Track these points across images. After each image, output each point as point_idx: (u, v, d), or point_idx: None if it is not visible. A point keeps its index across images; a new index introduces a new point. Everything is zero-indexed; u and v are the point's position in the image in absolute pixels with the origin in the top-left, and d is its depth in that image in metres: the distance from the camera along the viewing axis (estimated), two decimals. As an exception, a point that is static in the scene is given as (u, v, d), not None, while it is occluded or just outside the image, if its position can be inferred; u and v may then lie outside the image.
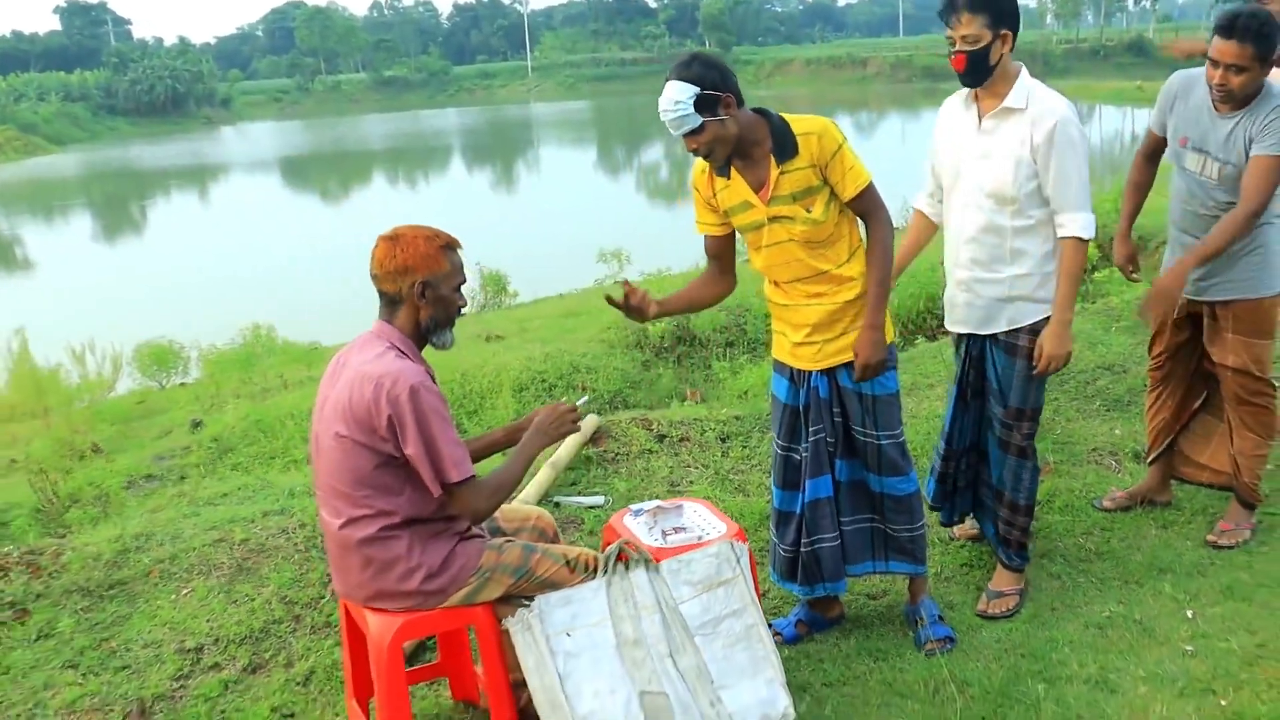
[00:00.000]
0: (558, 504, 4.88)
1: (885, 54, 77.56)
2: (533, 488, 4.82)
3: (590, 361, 7.71)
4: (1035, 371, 3.89)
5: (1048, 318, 3.86)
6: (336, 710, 3.64)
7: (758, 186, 3.58)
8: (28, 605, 4.19)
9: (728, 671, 3.24)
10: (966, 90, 3.91)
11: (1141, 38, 77.39)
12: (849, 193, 3.54)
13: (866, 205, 3.59)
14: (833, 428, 3.74)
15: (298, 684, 3.76)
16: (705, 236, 3.80)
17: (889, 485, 3.78)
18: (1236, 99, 4.09)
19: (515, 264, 13.35)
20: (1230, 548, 4.48)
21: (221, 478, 5.71)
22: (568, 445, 5.19)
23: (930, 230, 4.25)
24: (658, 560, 3.26)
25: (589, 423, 5.43)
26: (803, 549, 3.81)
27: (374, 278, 3.10)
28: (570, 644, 3.07)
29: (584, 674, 3.05)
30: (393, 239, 3.09)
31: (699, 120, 3.40)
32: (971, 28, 3.67)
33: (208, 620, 4.06)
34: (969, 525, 4.61)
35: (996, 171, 3.80)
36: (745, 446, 5.50)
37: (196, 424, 7.50)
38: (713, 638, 3.25)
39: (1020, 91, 3.76)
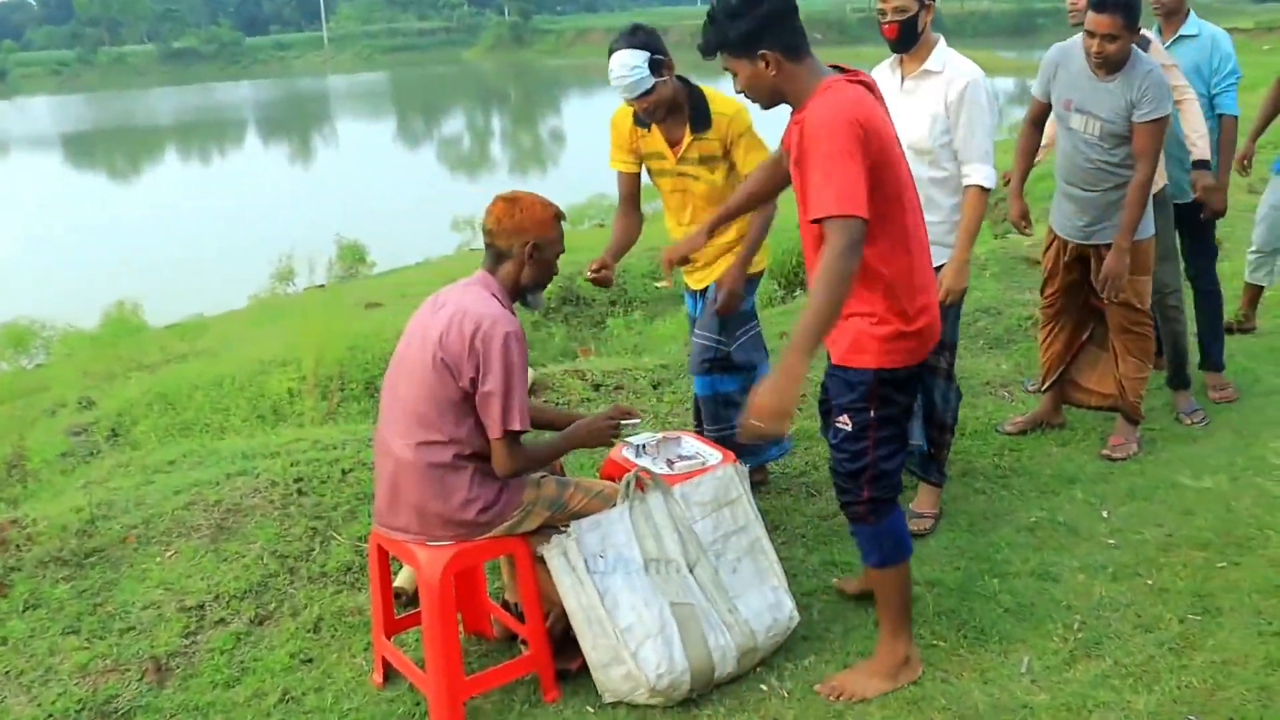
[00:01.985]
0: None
1: (686, 22, 78.55)
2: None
3: (483, 323, 7.85)
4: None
5: None
6: (353, 653, 3.80)
7: (672, 143, 4.30)
8: (3, 579, 4.19)
9: (738, 582, 3.56)
10: (892, 57, 4.38)
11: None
12: (747, 168, 4.17)
13: None
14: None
15: (309, 631, 3.90)
16: (618, 174, 4.53)
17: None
18: (1112, 64, 4.61)
19: (363, 235, 13.35)
20: (1123, 459, 5.03)
21: (162, 447, 5.68)
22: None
23: None
24: (671, 485, 3.56)
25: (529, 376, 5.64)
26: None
27: (488, 232, 3.37)
28: (603, 564, 3.34)
29: (620, 590, 3.33)
30: (512, 200, 3.37)
31: (652, 82, 3.96)
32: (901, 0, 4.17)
33: (202, 579, 4.15)
34: None
35: (916, 126, 4.24)
36: (676, 392, 5.81)
37: (87, 402, 7.37)
38: (724, 551, 3.57)
39: (938, 56, 4.27)
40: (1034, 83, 5.03)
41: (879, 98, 3.22)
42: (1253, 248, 6.40)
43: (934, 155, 4.26)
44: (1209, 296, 5.69)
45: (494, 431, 3.21)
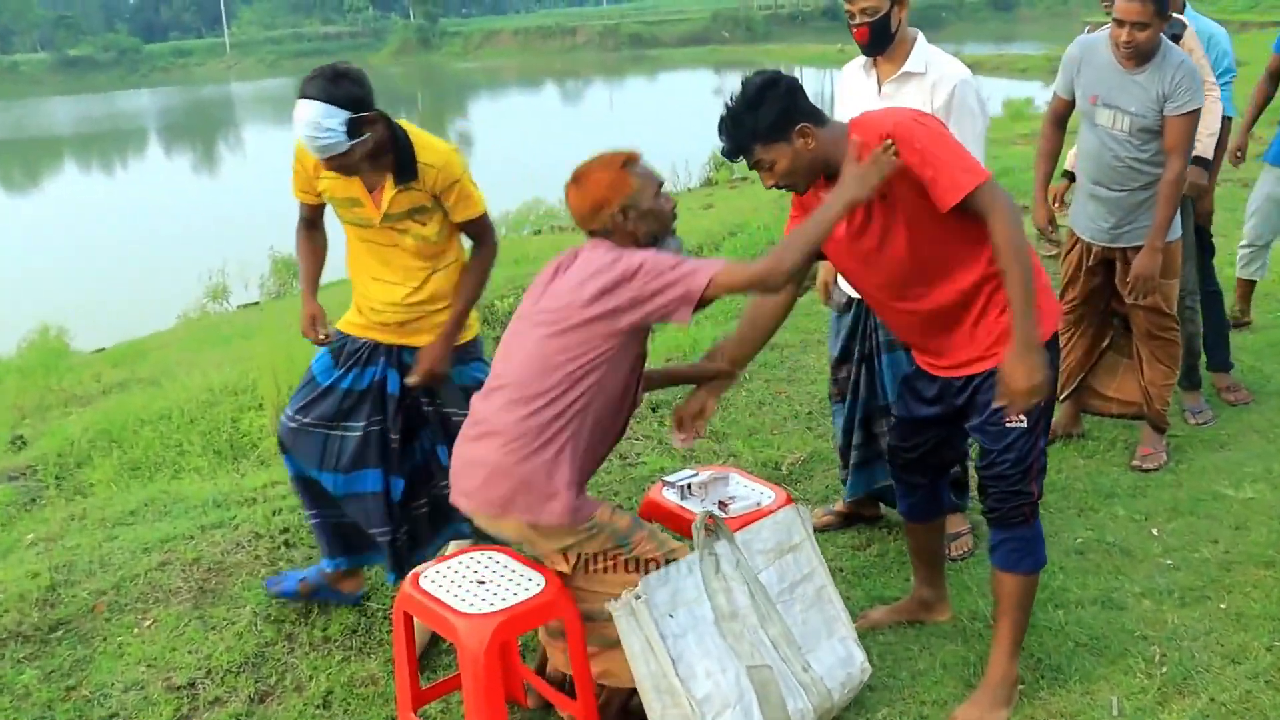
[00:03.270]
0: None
1: (593, 22, 78.28)
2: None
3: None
4: None
5: None
6: (371, 728, 3.40)
7: (371, 188, 3.58)
8: (-44, 661, 3.71)
9: (808, 635, 3.22)
10: (865, 59, 3.99)
11: (837, 2, 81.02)
12: (458, 218, 3.66)
13: (475, 231, 3.74)
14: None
15: (318, 707, 3.48)
16: (301, 204, 3.81)
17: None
18: (1142, 53, 4.36)
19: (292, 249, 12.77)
20: (1155, 469, 4.79)
21: (118, 494, 5.18)
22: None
23: None
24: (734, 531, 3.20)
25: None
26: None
27: (578, 225, 3.10)
28: (675, 625, 2.97)
29: (694, 655, 2.97)
30: (576, 181, 3.06)
31: (348, 146, 3.34)
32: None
33: (189, 651, 3.70)
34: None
35: None
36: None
37: (21, 442, 6.80)
38: (790, 603, 3.22)
39: (919, 56, 3.86)
40: (1055, 81, 4.78)
41: None
42: (1244, 241, 6.24)
43: None
44: (1212, 296, 5.51)
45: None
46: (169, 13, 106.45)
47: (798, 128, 2.95)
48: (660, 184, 3.11)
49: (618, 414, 3.08)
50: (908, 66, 3.85)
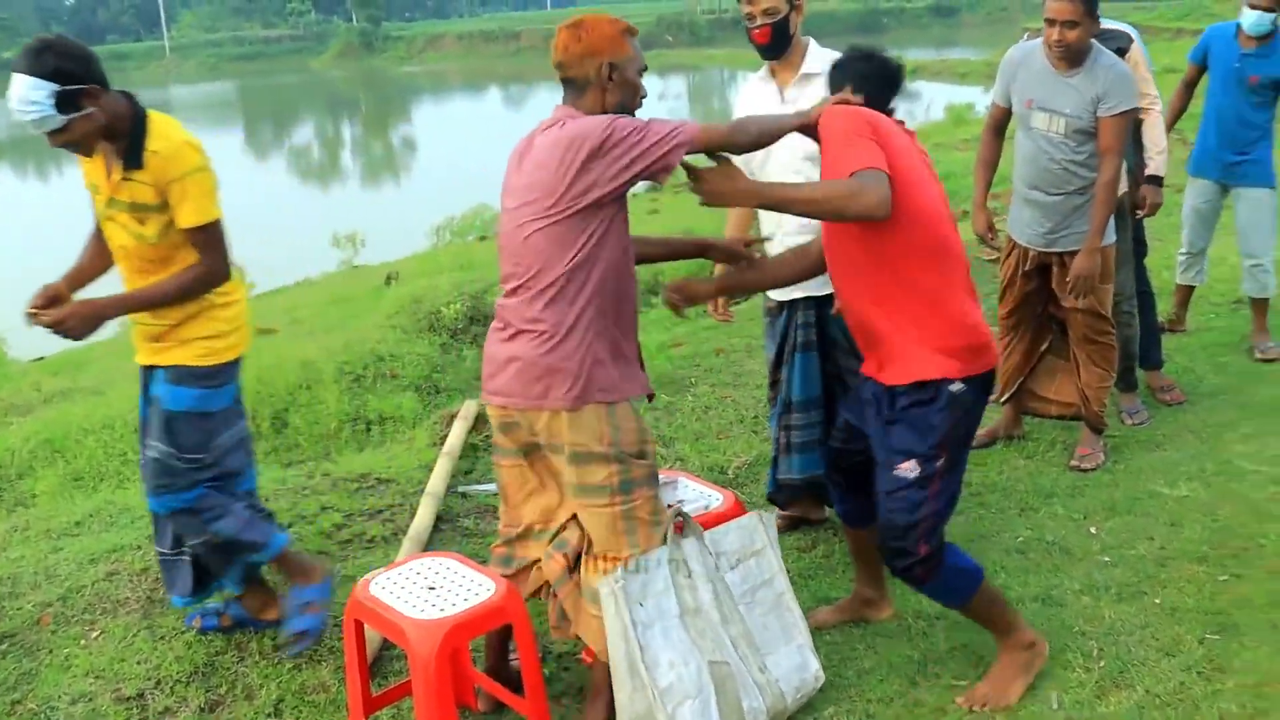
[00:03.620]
0: (464, 494, 4.73)
1: (537, 26, 78.11)
2: (435, 479, 4.65)
3: (391, 348, 7.45)
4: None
5: None
6: (323, 735, 3.41)
7: (108, 173, 3.41)
8: (-101, 676, 3.67)
9: (767, 639, 3.29)
10: (763, 69, 4.10)
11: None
12: (182, 222, 3.37)
13: (199, 241, 3.42)
14: None
15: (269, 715, 3.48)
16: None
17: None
18: (1073, 53, 4.46)
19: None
20: (1093, 469, 4.90)
21: (62, 505, 5.14)
22: (457, 433, 5.03)
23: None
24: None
25: (469, 408, 5.29)
26: None
27: (559, 65, 3.11)
28: (644, 613, 3.02)
29: (659, 645, 3.02)
30: (576, 24, 3.12)
31: (62, 121, 3.21)
32: (770, 0, 3.87)
33: (138, 662, 3.69)
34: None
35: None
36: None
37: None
38: (751, 606, 3.29)
39: (815, 57, 3.98)
40: (993, 89, 4.89)
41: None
42: (1181, 249, 6.40)
43: None
44: (1144, 297, 5.64)
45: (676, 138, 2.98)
46: (107, 15, 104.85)
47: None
48: (645, 67, 3.21)
49: (628, 278, 3.17)
50: (806, 68, 3.98)
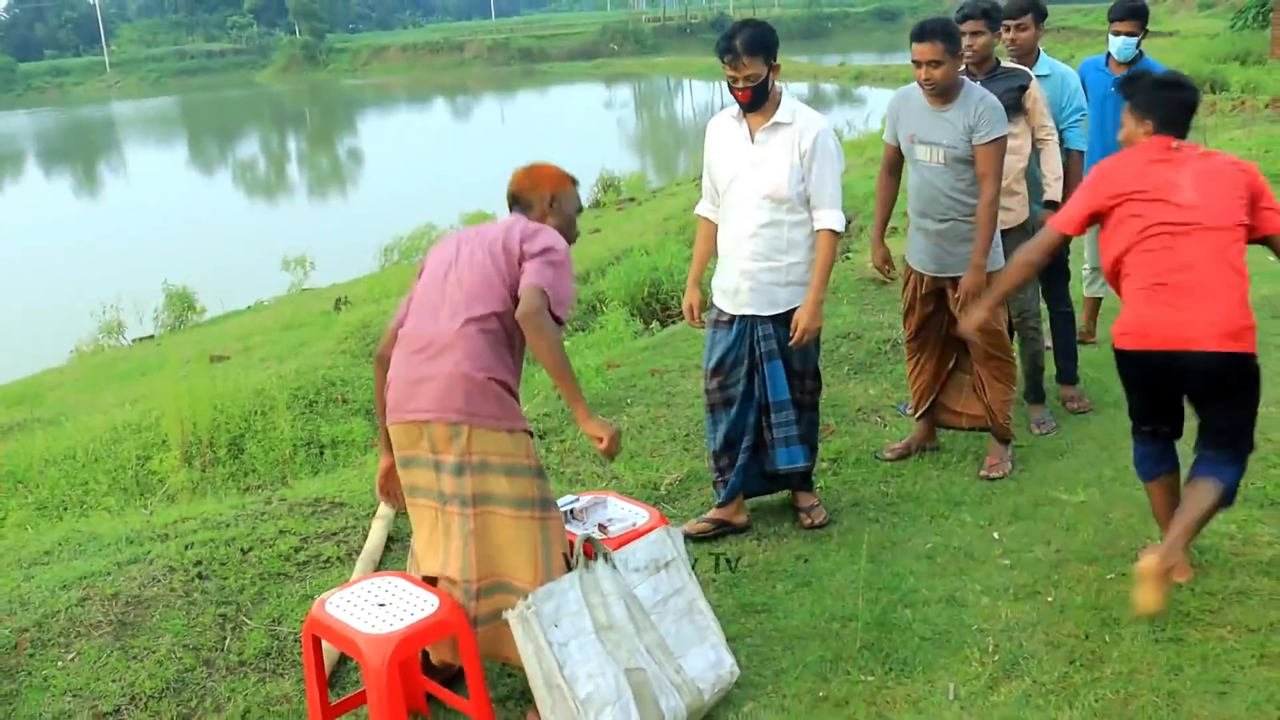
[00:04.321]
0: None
1: (482, 37, 78.29)
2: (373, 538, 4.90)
3: (342, 374, 7.76)
4: (791, 342, 4.60)
5: None
6: (286, 744, 3.71)
7: None
8: (-115, 702, 3.93)
9: (681, 643, 3.63)
10: (733, 110, 4.61)
11: (723, 15, 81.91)
12: None
13: None
14: None
15: (236, 726, 3.79)
16: None
17: None
18: (941, 89, 4.89)
19: (183, 278, 12.90)
20: (1000, 478, 5.29)
21: (31, 535, 5.38)
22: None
23: (715, 230, 4.85)
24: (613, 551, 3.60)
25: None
26: None
27: (512, 195, 3.80)
28: (559, 634, 3.36)
29: (576, 660, 3.35)
30: (529, 168, 3.83)
31: None
32: (752, 68, 4.41)
33: (113, 680, 3.97)
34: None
35: (773, 176, 4.51)
36: (564, 441, 5.84)
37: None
38: (664, 614, 3.62)
39: (787, 108, 4.53)
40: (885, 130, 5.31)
41: None
42: (1086, 265, 6.82)
43: (791, 203, 4.52)
44: (1064, 316, 6.05)
45: (535, 279, 3.50)
46: (44, 30, 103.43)
47: None
48: (581, 209, 3.90)
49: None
50: (778, 118, 4.51)
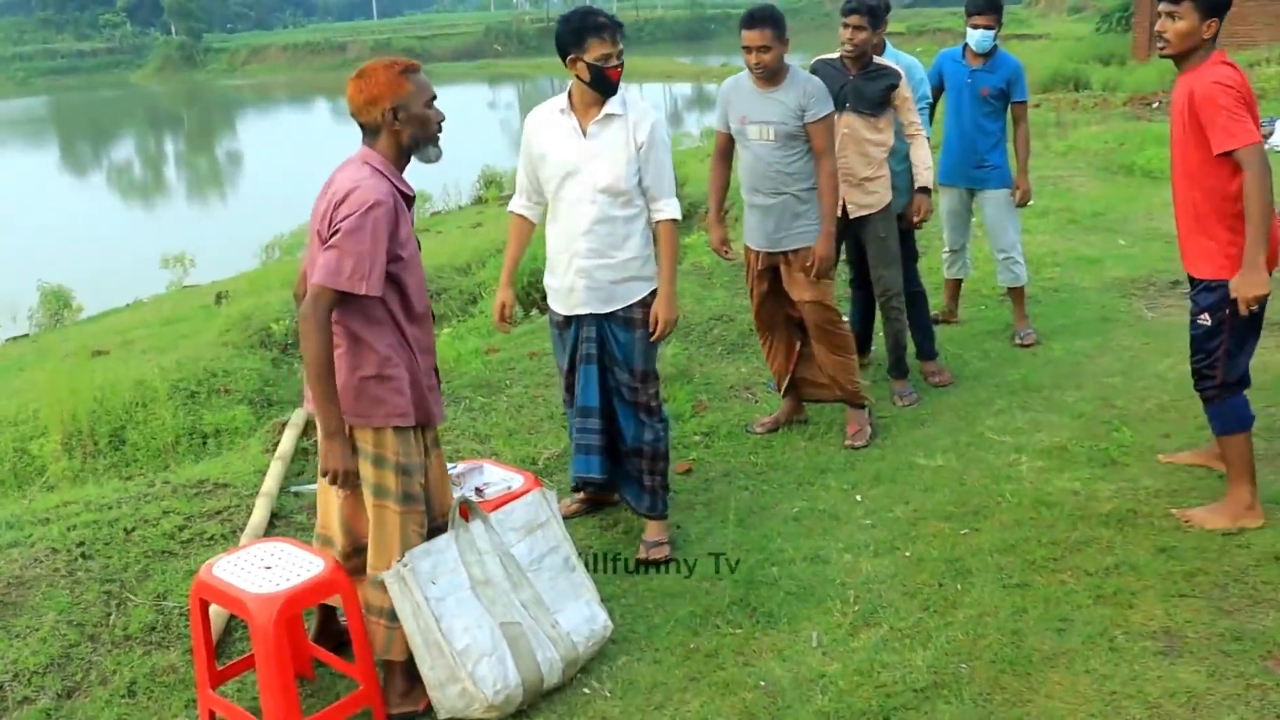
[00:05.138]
0: (296, 494, 5.13)
1: (364, 37, 77.34)
2: (269, 480, 5.05)
3: (225, 365, 7.77)
4: (653, 337, 4.49)
5: (654, 291, 4.52)
6: (174, 712, 3.79)
7: None
8: None
9: (556, 599, 3.80)
10: (556, 104, 4.49)
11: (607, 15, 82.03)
12: None
13: None
14: None
15: (123, 697, 3.85)
16: None
17: None
18: (770, 72, 5.17)
19: (61, 278, 12.67)
20: (864, 446, 5.56)
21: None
22: (288, 439, 5.43)
23: (530, 229, 4.76)
24: (489, 513, 3.75)
25: (299, 416, 5.68)
26: None
27: (353, 115, 3.48)
28: (436, 590, 3.51)
29: (454, 614, 3.51)
30: (358, 76, 3.48)
31: None
32: (620, 47, 4.34)
33: (-4, 658, 4.01)
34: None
35: (610, 169, 4.37)
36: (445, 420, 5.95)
37: None
38: (540, 572, 3.79)
39: (618, 99, 4.40)
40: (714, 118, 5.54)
41: None
42: (945, 248, 7.17)
43: (628, 195, 4.40)
44: (916, 296, 6.34)
45: (313, 275, 3.35)
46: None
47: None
48: (433, 96, 3.53)
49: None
50: (610, 109, 4.37)
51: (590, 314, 4.50)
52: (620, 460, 4.68)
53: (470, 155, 17.85)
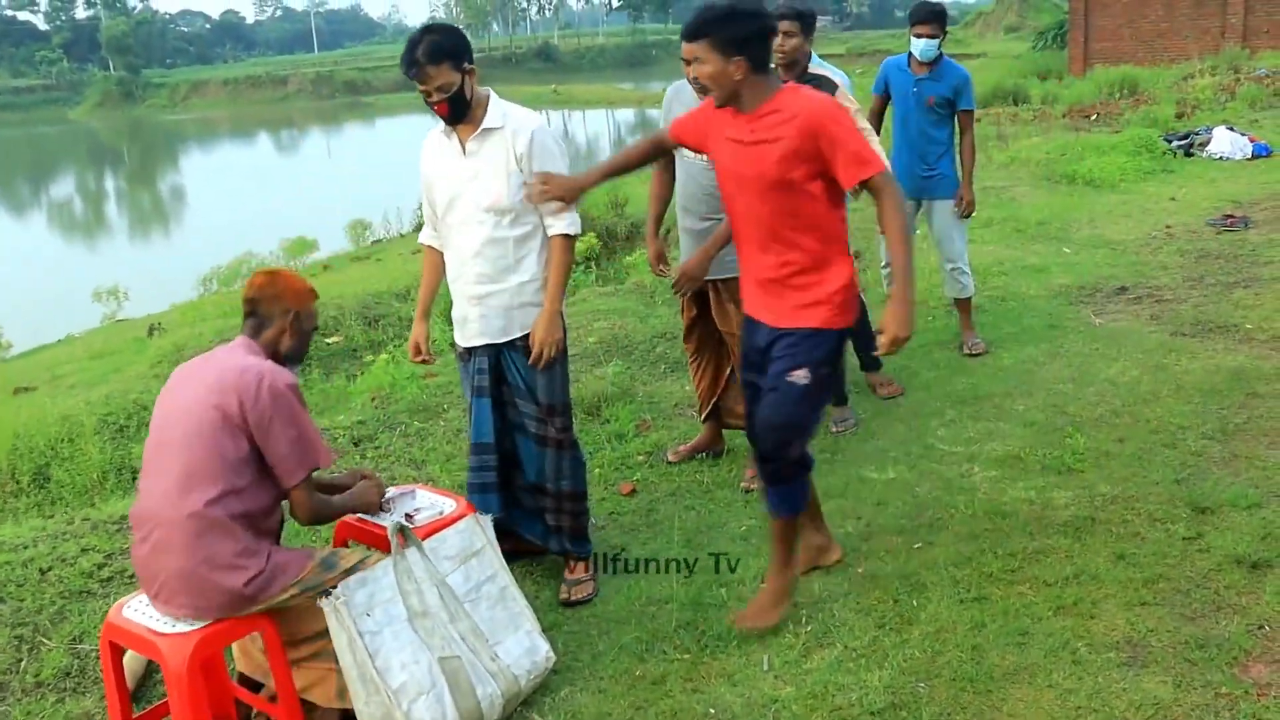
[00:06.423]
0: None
1: (305, 70, 76.91)
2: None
3: (155, 398, 7.46)
4: (530, 360, 4.16)
5: None
6: (89, 761, 3.57)
7: None
8: None
9: (495, 629, 3.61)
10: (442, 126, 4.17)
11: (548, 44, 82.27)
12: None
13: None
14: None
15: (34, 748, 3.62)
16: None
17: None
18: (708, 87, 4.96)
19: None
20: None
21: None
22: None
23: (441, 259, 4.42)
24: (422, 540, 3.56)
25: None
26: None
27: (248, 301, 3.47)
28: (372, 623, 3.30)
29: (390, 648, 3.31)
30: (273, 273, 3.56)
31: None
32: (441, 78, 3.92)
33: (-105, 710, 3.76)
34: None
35: (490, 187, 4.08)
36: (379, 447, 5.77)
37: None
38: (477, 602, 3.60)
39: (495, 112, 4.09)
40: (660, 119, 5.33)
41: None
42: (883, 263, 7.04)
43: (515, 212, 4.11)
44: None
45: (293, 478, 3.27)
46: None
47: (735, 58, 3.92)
48: (316, 328, 3.66)
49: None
50: (487, 123, 4.06)
51: (485, 344, 4.23)
52: (518, 497, 4.42)
53: (411, 184, 17.61)
